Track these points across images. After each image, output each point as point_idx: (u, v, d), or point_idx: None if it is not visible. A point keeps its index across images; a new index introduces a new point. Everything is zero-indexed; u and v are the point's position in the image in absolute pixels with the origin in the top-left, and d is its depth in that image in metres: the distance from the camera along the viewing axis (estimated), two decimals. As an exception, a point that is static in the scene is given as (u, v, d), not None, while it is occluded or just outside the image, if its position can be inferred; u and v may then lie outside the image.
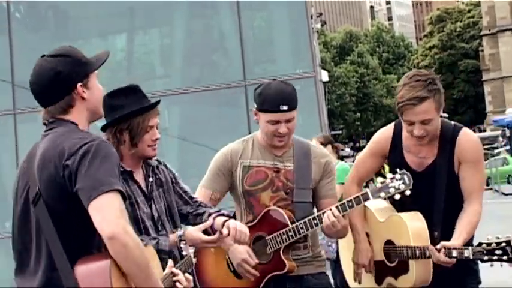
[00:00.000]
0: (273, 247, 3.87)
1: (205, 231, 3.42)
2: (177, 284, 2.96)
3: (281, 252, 3.87)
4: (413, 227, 3.85)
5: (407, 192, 3.70)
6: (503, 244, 3.67)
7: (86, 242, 2.64)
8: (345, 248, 4.36)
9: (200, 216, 3.57)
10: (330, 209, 3.72)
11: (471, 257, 3.70)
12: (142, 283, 2.55)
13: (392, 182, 3.72)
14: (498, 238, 3.68)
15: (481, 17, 58.23)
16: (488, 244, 3.70)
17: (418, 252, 3.79)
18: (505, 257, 3.69)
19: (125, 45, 17.71)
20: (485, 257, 3.73)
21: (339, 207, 3.74)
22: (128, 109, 3.37)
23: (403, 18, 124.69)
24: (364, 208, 4.11)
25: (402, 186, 3.69)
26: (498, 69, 53.36)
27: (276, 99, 3.78)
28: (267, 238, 3.88)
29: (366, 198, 3.76)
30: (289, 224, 3.83)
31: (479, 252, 3.71)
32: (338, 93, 60.57)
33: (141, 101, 3.42)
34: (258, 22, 17.74)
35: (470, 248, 3.71)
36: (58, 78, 2.70)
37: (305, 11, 16.15)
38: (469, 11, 67.01)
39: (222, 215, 3.51)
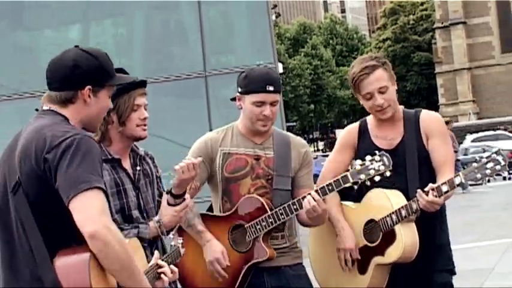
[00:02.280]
0: (253, 235, 3.87)
1: (174, 196, 3.48)
2: (162, 276, 2.96)
3: (261, 239, 3.87)
4: (391, 194, 3.90)
5: (387, 174, 3.75)
6: (493, 155, 3.80)
7: (67, 235, 2.60)
8: (316, 244, 4.33)
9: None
10: (310, 194, 3.72)
11: (463, 180, 3.79)
12: (126, 280, 2.56)
13: (371, 163, 3.76)
14: (485, 153, 3.73)
15: (434, 10, 59.55)
16: (478, 161, 3.81)
17: (403, 212, 3.84)
18: (498, 167, 3.80)
19: (79, 36, 17.60)
20: (479, 175, 3.82)
21: (319, 191, 3.74)
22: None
23: (356, 10, 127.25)
24: None
25: (382, 168, 3.74)
26: (450, 62, 54.72)
27: (262, 80, 3.84)
28: (246, 226, 3.88)
29: (346, 181, 3.77)
30: (269, 210, 3.84)
31: (471, 173, 3.82)
32: (292, 85, 61.13)
33: (126, 80, 3.37)
34: (218, 13, 17.85)
35: (459, 173, 3.80)
36: (73, 71, 2.72)
37: (265, 2, 16.16)
38: (422, 3, 68.26)
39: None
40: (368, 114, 4.34)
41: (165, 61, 16.65)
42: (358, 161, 3.84)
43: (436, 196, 3.75)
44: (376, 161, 3.79)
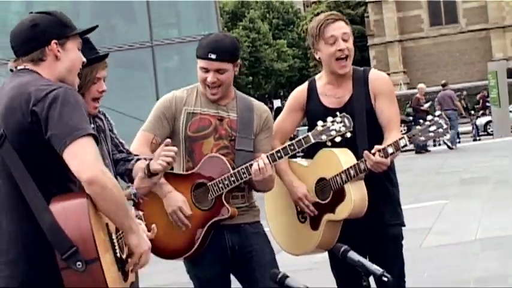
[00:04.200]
0: (215, 193, 3.82)
1: (150, 176, 3.41)
2: (143, 228, 2.97)
3: (223, 198, 3.82)
4: (341, 153, 3.89)
5: (348, 135, 3.74)
6: (436, 119, 3.86)
7: (58, 182, 2.63)
8: (270, 203, 4.32)
9: (128, 162, 3.60)
10: (262, 159, 3.74)
11: (408, 143, 3.86)
12: (123, 219, 2.60)
13: (333, 124, 3.74)
14: (428, 116, 3.94)
15: None
16: (422, 124, 3.89)
17: (352, 172, 3.83)
18: (440, 130, 3.88)
19: (22, 9, 17.53)
20: (422, 138, 3.92)
21: (281, 151, 3.78)
22: None
23: None
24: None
25: (343, 129, 3.72)
26: (382, 35, 55.80)
27: (207, 47, 3.81)
28: (208, 184, 3.83)
29: (308, 141, 3.78)
30: (231, 170, 3.79)
31: (414, 136, 3.89)
32: (231, 57, 61.29)
33: (90, 53, 3.32)
34: None
35: (404, 136, 3.85)
36: (34, 30, 2.70)
37: None
38: None
39: (144, 159, 3.51)
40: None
41: (111, 32, 16.75)
42: (320, 122, 3.79)
43: (382, 157, 3.75)
44: (337, 122, 3.74)
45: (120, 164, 3.58)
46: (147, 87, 14.64)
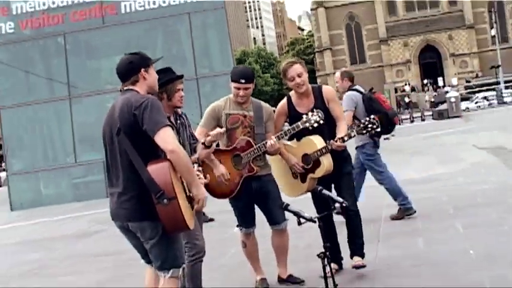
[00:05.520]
0: (246, 159, 5.35)
1: (206, 147, 4.87)
2: (201, 180, 4.26)
3: (251, 162, 5.36)
4: (316, 139, 5.39)
5: (321, 122, 5.14)
6: (372, 120, 5.30)
7: (150, 154, 3.74)
8: (274, 165, 5.76)
9: (195, 145, 4.99)
10: (272, 139, 5.28)
11: (356, 134, 5.36)
12: (188, 176, 3.79)
13: (312, 116, 5.14)
14: (368, 119, 5.34)
15: (314, 42, 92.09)
16: (363, 123, 5.34)
17: (324, 150, 5.32)
18: (374, 126, 5.35)
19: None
20: (364, 131, 5.34)
21: (282, 133, 5.34)
22: (163, 80, 4.63)
23: (272, 42, 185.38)
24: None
25: (318, 118, 5.14)
26: (323, 70, 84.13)
27: (238, 75, 5.36)
28: (241, 155, 5.35)
29: (297, 128, 5.26)
30: (254, 145, 5.32)
31: (359, 129, 5.34)
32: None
33: (172, 75, 4.81)
34: (202, 38, 22.41)
35: (354, 129, 5.34)
36: (130, 65, 3.92)
37: (227, 33, 21.65)
38: (307, 39, 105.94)
39: (202, 143, 4.90)
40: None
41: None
42: (304, 116, 5.19)
43: (341, 142, 5.27)
44: (315, 115, 5.14)
45: (192, 147, 4.97)
46: (192, 103, 18.29)
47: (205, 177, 4.59)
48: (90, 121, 20.75)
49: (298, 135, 5.51)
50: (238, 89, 5.35)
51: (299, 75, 5.48)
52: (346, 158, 5.73)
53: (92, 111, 20.96)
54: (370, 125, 5.27)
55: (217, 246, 7.67)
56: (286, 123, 5.74)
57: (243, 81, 5.35)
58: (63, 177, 21.55)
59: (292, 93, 5.67)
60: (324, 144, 5.32)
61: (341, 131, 5.40)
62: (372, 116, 5.39)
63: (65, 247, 10.97)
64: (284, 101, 5.74)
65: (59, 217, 16.37)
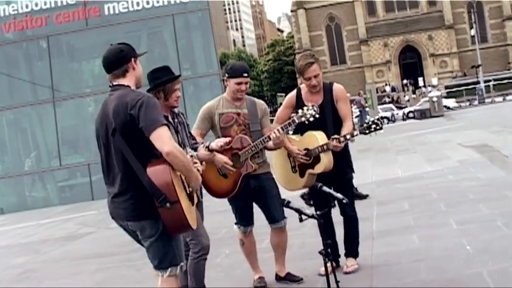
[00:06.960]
0: (244, 157, 5.28)
1: (209, 151, 4.97)
2: (197, 166, 4.16)
3: (249, 159, 5.30)
4: (318, 134, 5.35)
5: (317, 116, 5.10)
6: (376, 121, 5.27)
7: (148, 154, 3.62)
8: (275, 160, 5.74)
9: (196, 145, 5.02)
10: (277, 130, 5.16)
11: (359, 133, 5.28)
12: (187, 172, 3.76)
13: (308, 110, 5.15)
14: (372, 120, 5.27)
15: (294, 43, 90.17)
16: (367, 123, 5.26)
17: (325, 147, 5.27)
18: (378, 126, 5.28)
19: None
20: (367, 131, 5.25)
21: (282, 128, 5.19)
22: (162, 79, 4.70)
23: (252, 44, 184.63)
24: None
25: (313, 112, 5.13)
26: None
27: (240, 70, 5.39)
28: (239, 153, 5.28)
29: (294, 122, 5.19)
30: (251, 142, 5.27)
31: (363, 129, 5.26)
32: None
33: (170, 75, 4.77)
34: (186, 41, 22.97)
35: (356, 128, 5.28)
36: (121, 53, 3.83)
37: (212, 36, 22.13)
38: (288, 40, 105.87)
39: (201, 143, 5.03)
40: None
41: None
42: (300, 110, 5.17)
43: (340, 142, 5.20)
44: (311, 109, 5.14)
45: (192, 148, 4.93)
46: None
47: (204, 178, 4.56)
48: (74, 124, 20.78)
49: (302, 129, 5.51)
50: (240, 83, 5.37)
51: (315, 76, 5.49)
52: (349, 163, 5.74)
53: (75, 114, 21.04)
54: (373, 125, 5.26)
55: (212, 245, 7.50)
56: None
57: (245, 75, 5.38)
58: (48, 180, 21.50)
59: (303, 86, 5.69)
60: (326, 141, 5.31)
61: (344, 130, 5.38)
62: (377, 117, 5.40)
63: (54, 250, 10.93)
64: (293, 93, 5.75)
65: (46, 220, 16.26)
